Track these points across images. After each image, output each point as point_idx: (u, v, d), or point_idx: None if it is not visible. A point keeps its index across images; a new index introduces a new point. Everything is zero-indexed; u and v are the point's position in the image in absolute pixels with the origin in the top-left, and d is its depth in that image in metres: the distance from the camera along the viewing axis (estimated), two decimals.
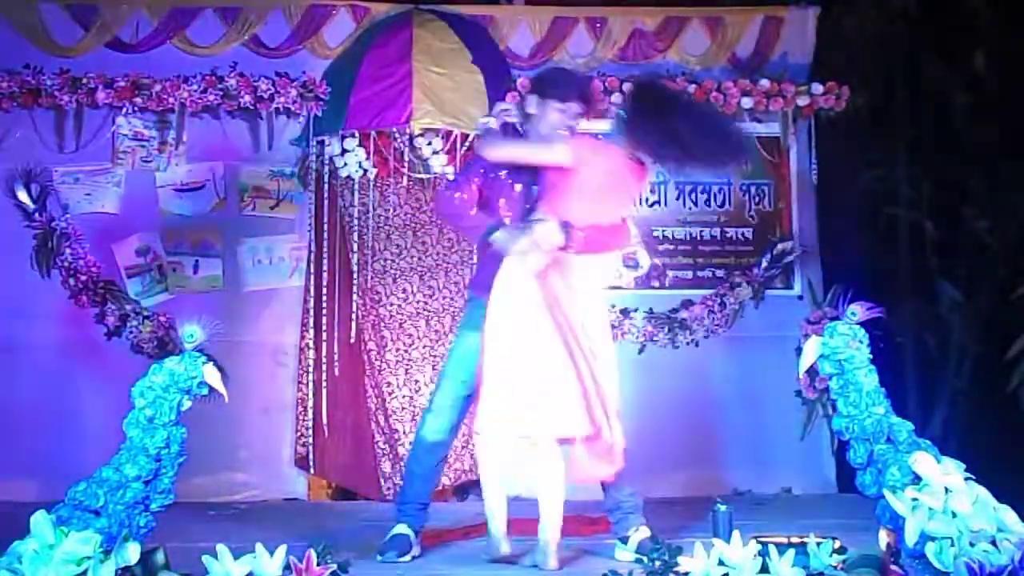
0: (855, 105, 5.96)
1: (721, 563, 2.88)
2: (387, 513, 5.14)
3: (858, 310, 3.31)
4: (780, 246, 5.93)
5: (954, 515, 2.89)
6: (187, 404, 3.12)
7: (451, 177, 5.87)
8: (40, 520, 2.79)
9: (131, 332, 5.55)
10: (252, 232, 5.77)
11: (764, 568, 2.88)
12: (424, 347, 5.84)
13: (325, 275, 5.72)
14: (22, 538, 2.78)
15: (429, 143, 5.79)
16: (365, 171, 5.79)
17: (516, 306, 3.60)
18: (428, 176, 5.89)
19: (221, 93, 5.64)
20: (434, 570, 3.63)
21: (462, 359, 3.88)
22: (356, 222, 5.80)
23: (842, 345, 3.25)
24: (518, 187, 3.86)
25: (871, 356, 3.26)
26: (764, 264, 5.91)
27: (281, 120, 5.77)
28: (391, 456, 5.74)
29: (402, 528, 3.89)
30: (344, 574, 2.92)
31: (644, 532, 3.80)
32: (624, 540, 3.83)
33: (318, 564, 2.84)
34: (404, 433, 5.76)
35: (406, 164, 5.82)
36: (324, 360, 5.71)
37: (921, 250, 6.23)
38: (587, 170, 3.64)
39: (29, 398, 5.52)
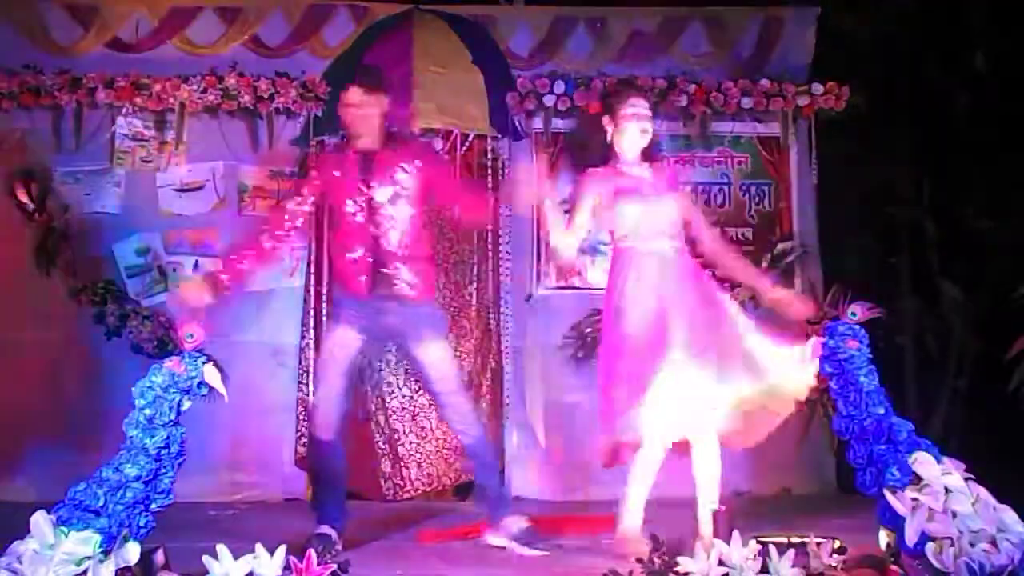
0: (855, 105, 5.96)
1: (721, 563, 2.88)
2: (387, 513, 5.16)
3: (858, 310, 3.31)
4: (780, 246, 5.93)
5: (954, 515, 2.89)
6: (187, 404, 3.12)
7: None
8: (40, 520, 2.79)
9: (131, 332, 5.55)
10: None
11: (764, 568, 2.88)
12: None
13: (325, 275, 5.72)
14: (22, 538, 2.78)
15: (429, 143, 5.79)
16: None
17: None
18: None
19: (221, 93, 5.65)
20: (434, 570, 3.63)
21: (336, 353, 3.97)
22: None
23: (842, 345, 3.25)
24: None
25: (871, 356, 3.26)
26: (764, 264, 5.90)
27: (281, 120, 5.77)
28: (391, 456, 5.74)
29: (323, 528, 3.88)
30: (344, 574, 2.92)
31: (520, 522, 3.93)
32: (497, 527, 3.95)
33: (318, 564, 2.84)
34: (404, 433, 5.76)
35: None
36: None
37: (921, 250, 6.23)
38: None
39: (29, 398, 5.52)
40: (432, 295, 4.16)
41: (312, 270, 5.73)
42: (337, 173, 3.95)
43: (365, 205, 3.88)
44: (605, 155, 3.89)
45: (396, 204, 3.89)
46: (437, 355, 3.99)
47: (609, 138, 3.87)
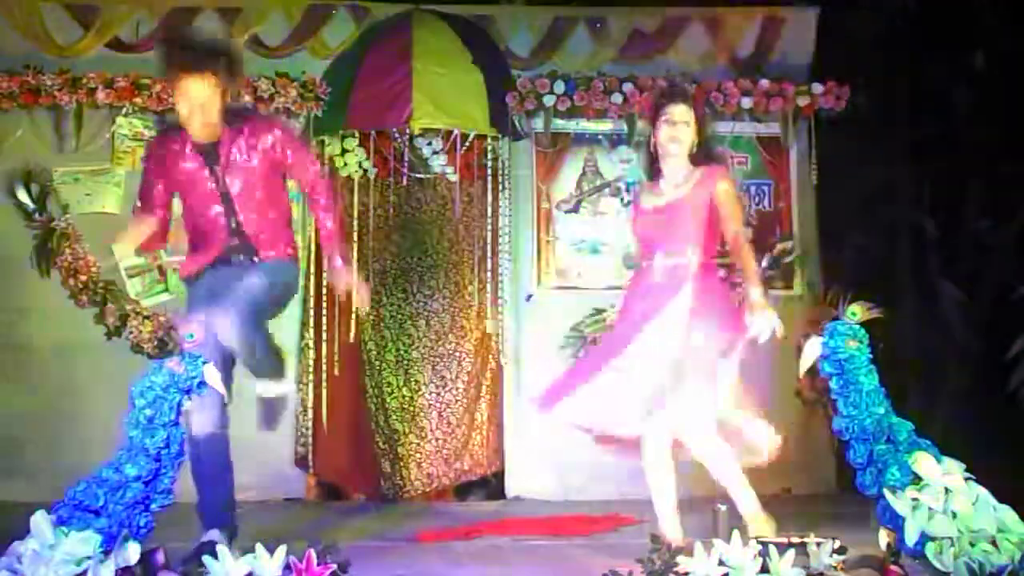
0: (855, 105, 5.96)
1: (721, 563, 2.88)
2: (387, 513, 5.16)
3: (858, 310, 3.31)
4: (780, 246, 5.93)
5: (954, 515, 2.89)
6: (187, 404, 3.12)
7: (452, 178, 5.89)
8: (40, 520, 2.79)
9: (131, 332, 5.55)
10: None
11: (764, 568, 2.87)
12: (424, 347, 5.86)
13: (325, 275, 5.73)
14: (22, 538, 2.78)
15: (429, 143, 5.80)
16: (365, 171, 5.80)
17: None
18: (428, 176, 5.90)
19: None
20: (434, 570, 3.63)
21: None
22: (356, 222, 5.81)
23: (842, 345, 3.25)
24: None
25: (871, 356, 3.26)
26: (764, 264, 5.90)
27: (281, 120, 5.77)
28: (391, 456, 5.75)
29: (211, 534, 3.55)
30: (344, 574, 2.92)
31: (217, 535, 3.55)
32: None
33: (318, 564, 2.84)
34: (404, 433, 5.77)
35: (406, 164, 5.83)
36: (324, 360, 5.71)
37: (921, 250, 6.23)
38: None
39: (29, 398, 5.52)
40: (283, 255, 3.80)
41: (312, 270, 5.73)
42: (179, 165, 3.68)
43: (216, 195, 3.66)
44: (652, 157, 3.88)
45: (246, 187, 3.66)
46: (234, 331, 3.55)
47: (653, 141, 3.86)
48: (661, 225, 3.79)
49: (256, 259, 3.74)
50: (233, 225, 3.71)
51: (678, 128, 3.77)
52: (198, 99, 3.54)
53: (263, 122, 3.87)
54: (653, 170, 3.89)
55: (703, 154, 3.83)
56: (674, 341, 3.64)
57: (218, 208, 3.71)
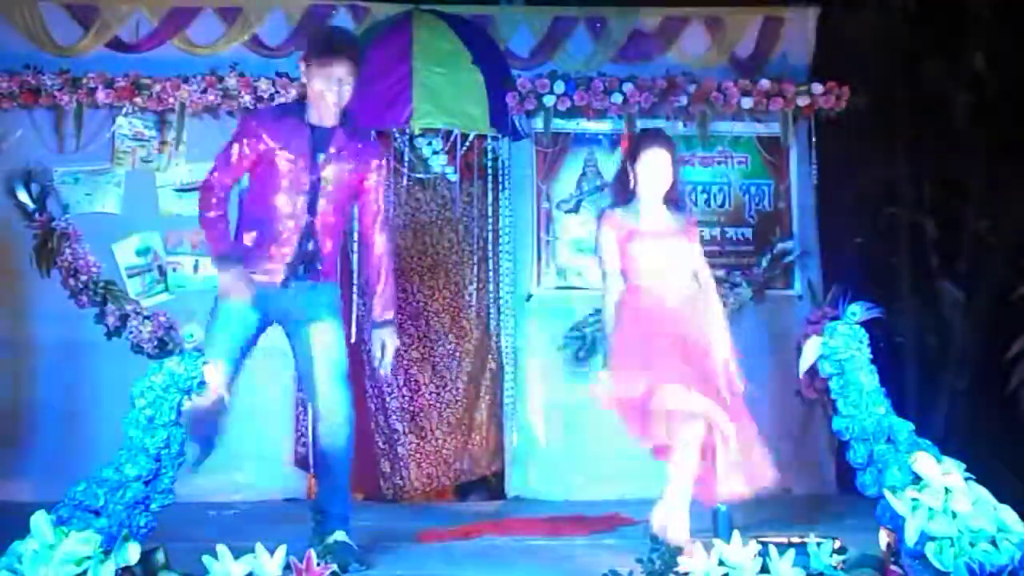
0: (855, 105, 5.96)
1: (721, 563, 2.88)
2: (387, 513, 5.16)
3: (858, 310, 3.31)
4: (780, 246, 5.94)
5: (954, 515, 2.89)
6: (187, 404, 3.12)
7: (452, 178, 5.89)
8: (40, 520, 2.79)
9: (131, 332, 5.55)
10: None
11: (764, 568, 2.88)
12: (424, 347, 5.85)
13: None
14: (22, 538, 2.78)
15: (429, 143, 5.80)
16: None
17: None
18: (428, 176, 5.90)
19: (221, 93, 5.66)
20: (434, 570, 3.63)
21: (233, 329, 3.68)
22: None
23: (842, 345, 3.25)
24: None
25: (871, 356, 3.26)
26: (764, 264, 5.91)
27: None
28: (391, 456, 5.75)
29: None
30: (344, 574, 2.92)
31: (340, 536, 3.58)
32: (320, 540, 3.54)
33: (318, 564, 2.84)
34: (404, 433, 5.76)
35: (406, 164, 5.83)
36: None
37: (921, 250, 6.22)
38: None
39: (30, 398, 5.52)
40: (335, 276, 3.91)
41: None
42: (280, 143, 3.67)
43: (309, 182, 3.66)
44: (628, 196, 3.95)
45: (337, 185, 3.71)
46: (331, 337, 3.76)
47: (632, 182, 3.92)
48: (669, 248, 3.88)
49: (320, 275, 3.74)
50: (310, 223, 3.66)
51: (657, 173, 3.87)
52: (343, 79, 3.64)
53: (373, 145, 4.04)
54: (625, 198, 3.94)
55: (670, 197, 3.94)
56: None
57: (302, 198, 3.66)
